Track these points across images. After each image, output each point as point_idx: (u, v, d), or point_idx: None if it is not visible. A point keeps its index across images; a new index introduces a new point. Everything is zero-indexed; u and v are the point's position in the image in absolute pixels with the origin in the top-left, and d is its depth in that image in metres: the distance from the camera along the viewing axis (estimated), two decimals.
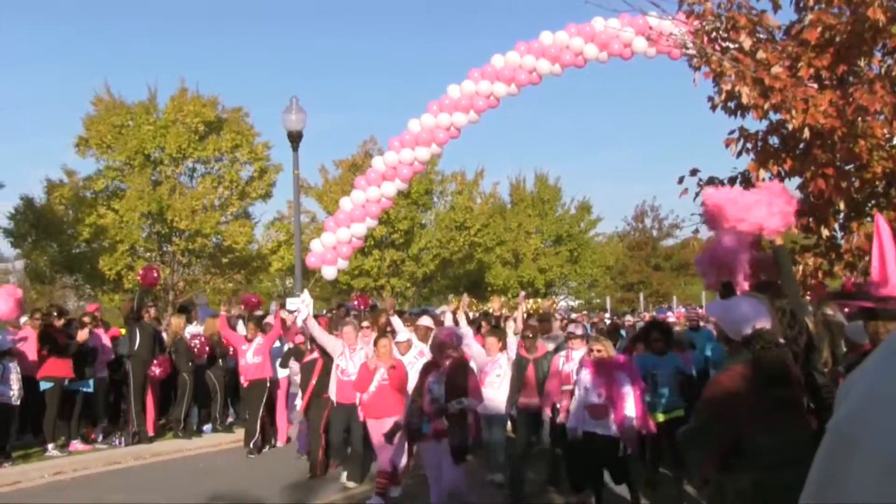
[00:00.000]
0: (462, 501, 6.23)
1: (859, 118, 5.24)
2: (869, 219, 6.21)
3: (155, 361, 11.24)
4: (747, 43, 5.85)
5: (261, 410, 10.58)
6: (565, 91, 75.86)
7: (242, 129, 22.06)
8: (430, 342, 7.42)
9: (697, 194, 6.50)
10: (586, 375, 6.84)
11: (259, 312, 13.66)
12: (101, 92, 21.51)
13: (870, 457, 0.99)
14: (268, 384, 10.76)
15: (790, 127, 5.64)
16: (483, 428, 8.33)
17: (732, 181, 6.49)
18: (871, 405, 1.03)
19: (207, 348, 11.79)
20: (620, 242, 41.66)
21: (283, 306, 13.25)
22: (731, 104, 6.06)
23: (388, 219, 23.45)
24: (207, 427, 12.10)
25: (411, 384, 7.24)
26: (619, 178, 74.22)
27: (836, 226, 6.27)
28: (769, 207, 4.76)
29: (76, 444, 10.50)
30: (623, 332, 12.82)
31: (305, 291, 10.20)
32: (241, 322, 12.45)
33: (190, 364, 11.61)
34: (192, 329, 12.29)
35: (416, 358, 8.43)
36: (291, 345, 10.84)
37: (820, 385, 4.26)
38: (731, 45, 6.06)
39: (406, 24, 72.83)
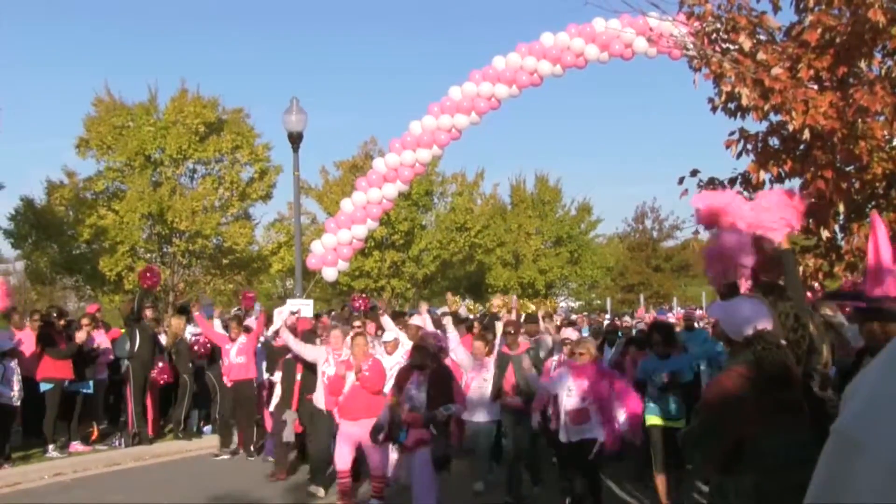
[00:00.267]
0: None
1: (859, 119, 5.24)
2: (869, 220, 6.22)
3: (158, 367, 11.25)
4: (747, 44, 5.86)
5: (255, 412, 10.46)
6: (565, 92, 75.94)
7: (243, 130, 22.07)
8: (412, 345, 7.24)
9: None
10: (568, 379, 6.71)
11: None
12: (101, 93, 21.55)
13: (874, 460, 0.99)
14: (254, 385, 10.56)
15: (790, 128, 5.64)
16: (469, 434, 8.21)
17: (733, 182, 6.49)
18: (876, 407, 1.03)
19: (206, 349, 11.78)
20: (621, 244, 41.65)
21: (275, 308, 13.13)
22: (732, 105, 6.06)
23: (389, 220, 23.44)
24: (207, 428, 12.09)
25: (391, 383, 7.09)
26: (620, 179, 74.26)
27: (837, 227, 6.27)
28: (769, 219, 4.78)
29: (76, 446, 10.50)
30: (621, 334, 12.71)
31: (287, 305, 10.04)
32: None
33: (190, 365, 11.61)
34: (193, 329, 12.28)
35: (403, 358, 8.25)
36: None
37: (811, 387, 4.25)
38: (731, 47, 6.06)
39: (406, 25, 72.93)
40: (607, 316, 23.15)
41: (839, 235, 6.40)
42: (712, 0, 6.09)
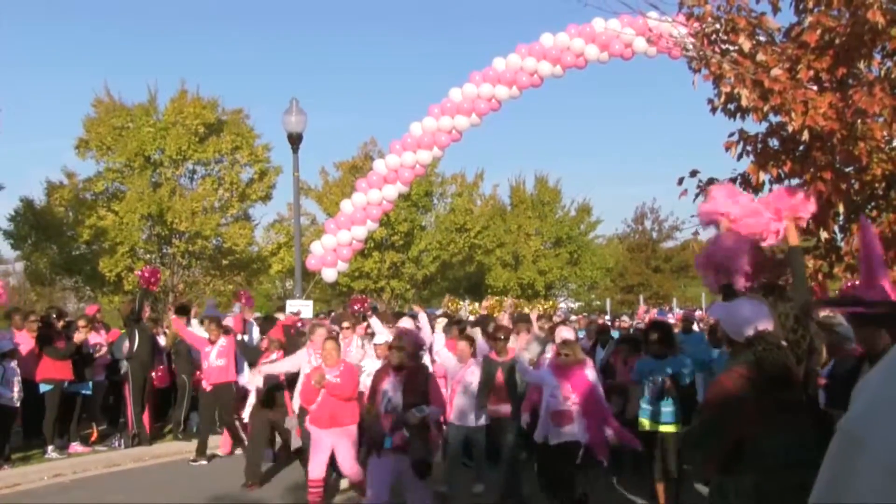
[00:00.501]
0: None
1: (859, 120, 5.24)
2: (869, 221, 6.22)
3: (157, 370, 11.23)
4: (747, 45, 5.86)
5: (234, 416, 10.12)
6: (565, 93, 75.94)
7: (242, 130, 22.09)
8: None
9: (697, 196, 6.51)
10: (552, 380, 6.56)
11: (257, 314, 13.64)
12: (101, 93, 21.58)
13: (875, 458, 1.00)
14: (234, 389, 10.25)
15: (790, 129, 5.64)
16: (453, 438, 7.78)
17: (732, 183, 6.49)
18: (877, 408, 1.04)
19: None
20: (620, 244, 41.67)
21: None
22: (731, 106, 6.07)
23: (388, 221, 23.45)
24: None
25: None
26: (619, 180, 74.28)
27: (836, 228, 6.27)
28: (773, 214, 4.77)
29: (75, 447, 10.50)
30: (615, 335, 12.57)
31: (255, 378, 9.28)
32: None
33: (190, 366, 11.59)
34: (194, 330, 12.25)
35: None
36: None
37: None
38: (731, 48, 6.07)
39: (406, 26, 72.94)
40: (607, 317, 23.15)
41: (839, 236, 6.40)
42: (712, 1, 6.10)
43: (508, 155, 68.81)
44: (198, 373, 11.24)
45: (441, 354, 8.18)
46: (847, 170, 5.81)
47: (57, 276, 22.46)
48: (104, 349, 11.27)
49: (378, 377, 5.97)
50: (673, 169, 76.04)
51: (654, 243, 42.20)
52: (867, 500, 1.00)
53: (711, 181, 6.54)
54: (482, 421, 7.68)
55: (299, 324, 11.48)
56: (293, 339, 10.10)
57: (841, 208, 5.76)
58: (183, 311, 11.58)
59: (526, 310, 17.13)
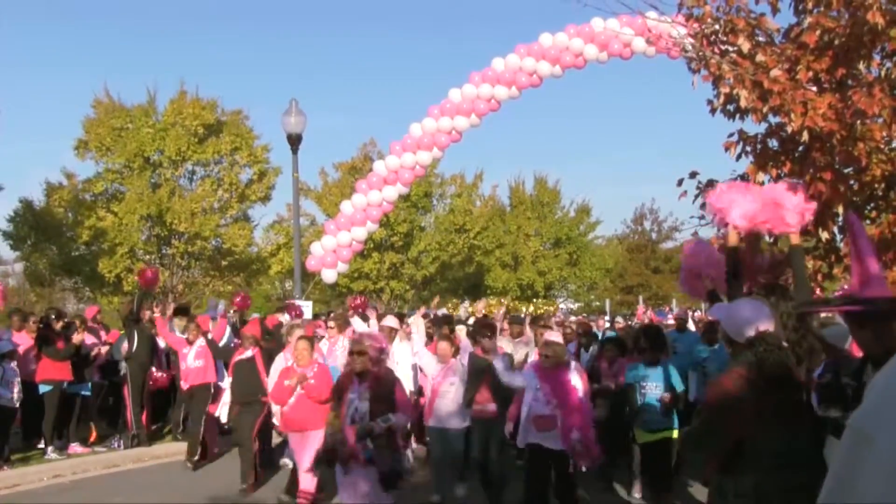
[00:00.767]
0: None
1: (858, 121, 5.25)
2: (868, 221, 6.23)
3: (157, 374, 11.20)
4: (746, 46, 5.87)
5: (203, 419, 9.84)
6: (564, 93, 75.99)
7: (242, 131, 22.09)
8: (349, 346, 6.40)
9: (697, 196, 6.52)
10: (533, 382, 6.31)
11: (256, 315, 13.61)
12: (100, 94, 21.58)
13: (880, 459, 1.00)
14: (211, 390, 10.00)
15: (789, 130, 5.65)
16: (435, 442, 7.63)
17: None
18: (886, 402, 1.05)
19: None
20: (620, 245, 41.69)
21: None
22: (730, 107, 6.07)
23: (388, 221, 23.46)
24: None
25: None
26: (619, 180, 74.29)
27: (836, 228, 6.28)
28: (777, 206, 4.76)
29: (75, 447, 10.49)
30: (599, 335, 12.22)
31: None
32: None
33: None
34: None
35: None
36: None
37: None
38: (730, 49, 6.07)
39: (405, 26, 72.94)
40: (606, 317, 23.14)
41: (838, 237, 6.41)
42: (711, 2, 6.11)
43: (508, 155, 68.93)
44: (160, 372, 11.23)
45: (422, 356, 7.95)
46: (846, 170, 5.82)
47: (56, 276, 22.47)
48: (100, 350, 11.26)
49: (342, 385, 5.61)
50: (672, 170, 76.09)
51: (654, 244, 42.22)
52: (873, 495, 1.00)
53: (711, 182, 6.54)
54: (466, 423, 7.38)
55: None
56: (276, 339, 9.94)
57: (840, 209, 5.77)
58: (184, 311, 11.55)
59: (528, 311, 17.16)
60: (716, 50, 6.12)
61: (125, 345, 10.96)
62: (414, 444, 9.71)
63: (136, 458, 10.46)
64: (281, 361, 7.88)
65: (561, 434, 6.11)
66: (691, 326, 13.16)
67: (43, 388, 10.10)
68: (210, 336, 10.25)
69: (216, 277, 23.04)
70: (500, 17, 72.50)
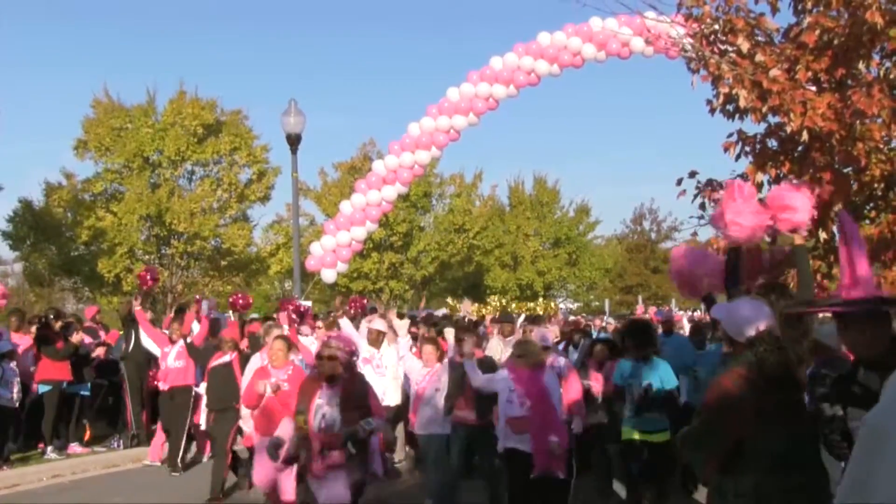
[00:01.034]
0: None
1: (857, 121, 5.25)
2: (868, 221, 6.23)
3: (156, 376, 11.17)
4: (745, 46, 5.87)
5: (187, 422, 9.53)
6: (563, 93, 76.01)
7: (241, 131, 22.11)
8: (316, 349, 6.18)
9: (696, 196, 6.53)
10: (508, 384, 6.05)
11: (255, 315, 13.59)
12: (99, 94, 21.60)
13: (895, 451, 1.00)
14: (192, 392, 9.56)
15: (788, 130, 5.65)
16: (424, 447, 7.45)
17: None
18: None
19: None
20: (619, 245, 41.72)
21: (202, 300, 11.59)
22: (730, 107, 6.08)
23: (387, 221, 23.46)
24: None
25: None
26: (618, 180, 74.28)
27: (835, 228, 6.28)
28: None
29: (74, 447, 10.49)
30: (595, 334, 12.06)
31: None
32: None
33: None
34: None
35: (361, 364, 7.40)
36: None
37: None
38: (729, 48, 6.07)
39: (404, 26, 72.88)
40: (606, 317, 23.16)
41: (838, 237, 6.40)
42: (710, 1, 6.11)
43: (507, 155, 68.83)
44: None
45: (406, 360, 7.80)
46: (846, 170, 5.82)
47: (56, 276, 22.47)
48: (97, 350, 11.25)
49: (309, 390, 5.27)
50: (672, 169, 76.00)
51: (653, 244, 42.25)
52: (889, 497, 1.00)
53: (710, 182, 6.55)
54: (448, 429, 7.16)
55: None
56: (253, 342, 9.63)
57: (840, 209, 5.77)
58: (182, 312, 11.51)
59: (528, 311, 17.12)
60: (715, 50, 6.12)
61: (123, 345, 10.95)
62: (407, 448, 9.73)
63: (135, 459, 10.45)
64: (257, 361, 7.52)
65: (532, 436, 5.87)
66: (687, 326, 12.94)
67: (42, 388, 10.09)
68: (189, 339, 9.78)
69: (215, 277, 23.04)
70: (498, 16, 72.46)
